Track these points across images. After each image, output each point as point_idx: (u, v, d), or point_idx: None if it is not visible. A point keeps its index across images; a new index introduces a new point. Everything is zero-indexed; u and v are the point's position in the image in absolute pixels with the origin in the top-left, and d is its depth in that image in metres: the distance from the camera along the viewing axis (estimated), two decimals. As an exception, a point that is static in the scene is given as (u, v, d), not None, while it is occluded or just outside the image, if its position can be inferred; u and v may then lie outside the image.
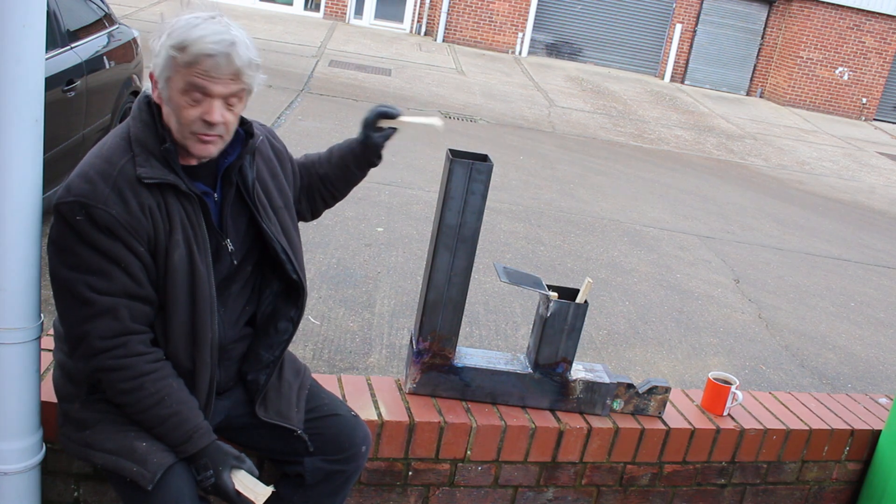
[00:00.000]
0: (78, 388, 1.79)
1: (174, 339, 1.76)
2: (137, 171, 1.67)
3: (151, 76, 1.72)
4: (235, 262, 1.85)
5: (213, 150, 1.72)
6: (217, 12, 1.71)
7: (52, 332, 2.26)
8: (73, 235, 1.64)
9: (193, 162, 1.77)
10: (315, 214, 2.20)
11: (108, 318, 1.66)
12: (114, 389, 1.71)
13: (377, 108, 2.05)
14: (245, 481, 1.71)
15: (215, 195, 1.81)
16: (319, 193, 2.15)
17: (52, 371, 1.92)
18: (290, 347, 2.03)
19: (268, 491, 1.71)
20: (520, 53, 16.28)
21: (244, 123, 1.84)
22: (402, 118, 2.04)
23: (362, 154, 2.09)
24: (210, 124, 1.67)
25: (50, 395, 1.94)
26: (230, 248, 1.84)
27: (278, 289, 1.94)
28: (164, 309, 1.74)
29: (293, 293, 1.93)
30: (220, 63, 1.63)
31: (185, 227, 1.73)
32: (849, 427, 2.72)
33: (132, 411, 1.72)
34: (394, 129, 2.06)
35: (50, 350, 2.14)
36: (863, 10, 16.08)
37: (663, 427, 2.48)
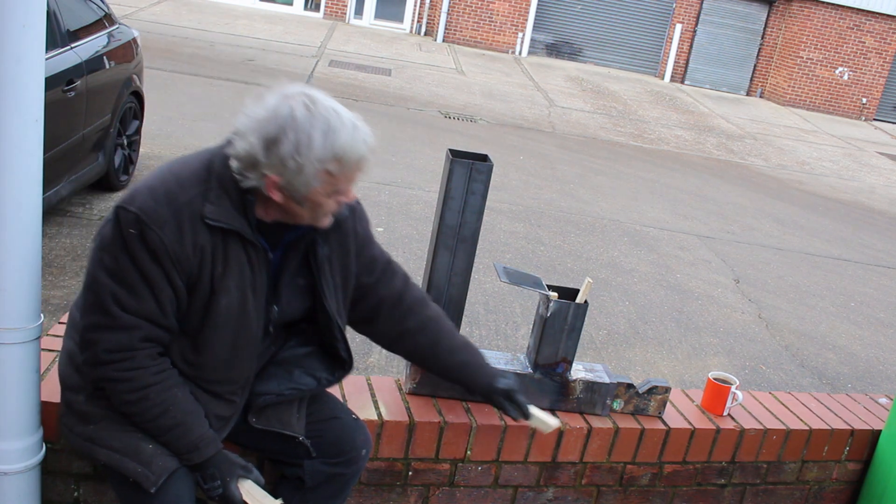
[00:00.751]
0: (84, 381, 1.77)
1: (208, 374, 1.75)
2: (205, 209, 1.62)
3: (271, 181, 1.59)
4: (272, 329, 1.84)
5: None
6: (308, 96, 1.61)
7: (52, 331, 2.26)
8: (121, 243, 1.62)
9: (269, 218, 1.71)
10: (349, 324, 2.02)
11: (123, 334, 1.64)
12: (118, 399, 1.70)
13: (512, 392, 2.04)
14: (253, 492, 1.71)
15: (271, 254, 1.75)
16: (389, 339, 2.04)
17: (59, 357, 1.90)
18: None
19: (276, 503, 1.71)
20: (520, 53, 16.28)
21: None
22: (531, 415, 2.07)
23: (479, 394, 2.08)
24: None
25: (50, 395, 1.94)
26: (275, 315, 1.82)
27: (315, 352, 1.95)
28: (202, 345, 1.72)
29: (336, 366, 1.96)
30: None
31: (243, 271, 1.69)
32: (849, 427, 2.72)
33: (137, 420, 1.72)
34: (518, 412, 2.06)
35: (50, 350, 2.15)
36: (863, 10, 16.08)
37: (663, 427, 2.48)
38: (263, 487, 1.74)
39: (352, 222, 1.87)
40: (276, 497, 1.74)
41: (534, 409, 2.07)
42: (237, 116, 1.63)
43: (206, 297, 1.68)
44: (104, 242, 1.64)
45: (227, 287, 1.68)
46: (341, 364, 1.95)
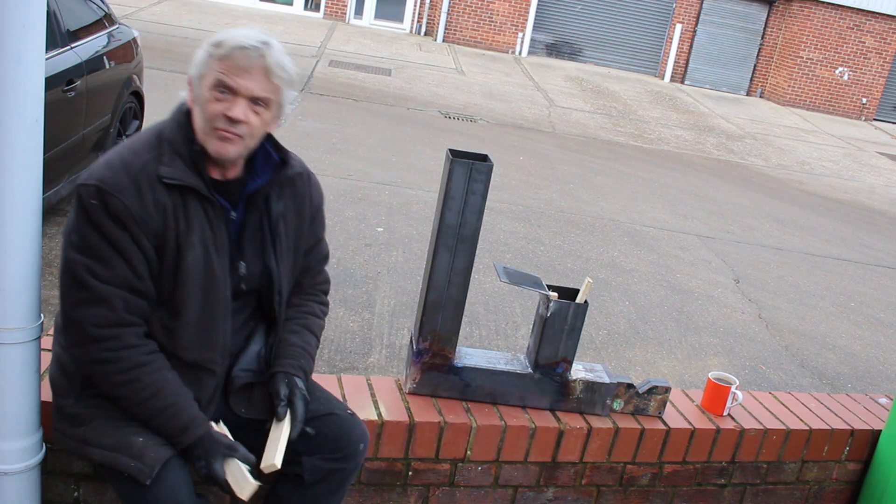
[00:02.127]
0: (72, 383, 1.80)
1: (184, 338, 1.77)
2: (160, 170, 1.70)
3: (189, 81, 1.75)
4: (244, 287, 1.86)
5: (231, 150, 1.73)
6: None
7: (52, 331, 2.26)
8: (85, 218, 1.67)
9: (218, 175, 1.78)
10: None
11: (103, 306, 1.68)
12: (108, 382, 1.72)
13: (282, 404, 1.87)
14: (235, 472, 1.72)
15: (233, 214, 1.82)
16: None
17: (49, 364, 1.92)
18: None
19: (253, 485, 1.70)
20: (520, 53, 16.27)
21: (281, 151, 1.86)
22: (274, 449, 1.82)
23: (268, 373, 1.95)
24: (232, 121, 1.69)
25: (50, 395, 1.94)
26: (242, 271, 1.85)
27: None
28: (176, 307, 1.76)
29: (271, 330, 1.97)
30: (251, 55, 1.67)
31: (203, 229, 1.75)
32: (849, 427, 2.72)
33: (127, 404, 1.73)
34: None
35: (50, 350, 2.14)
36: (863, 10, 16.08)
37: (663, 427, 2.48)
38: (253, 466, 1.74)
39: (307, 188, 1.96)
40: (275, 490, 1.72)
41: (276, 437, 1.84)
42: None
43: (174, 255, 1.73)
44: (70, 223, 1.71)
45: (191, 242, 1.73)
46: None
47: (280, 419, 1.85)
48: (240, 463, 1.73)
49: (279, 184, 1.86)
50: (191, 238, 1.73)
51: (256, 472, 1.77)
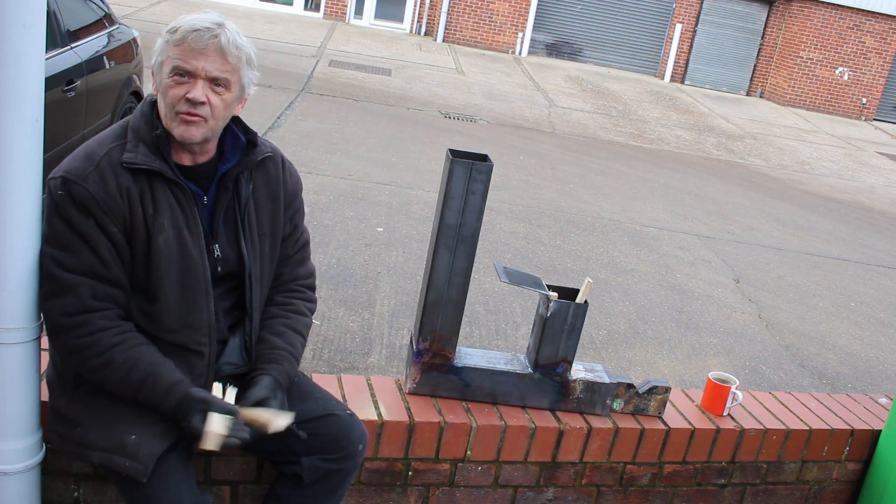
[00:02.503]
0: (64, 384, 1.81)
1: (165, 321, 1.78)
2: (123, 157, 1.72)
3: (152, 71, 1.78)
4: (220, 270, 1.86)
5: (195, 132, 1.74)
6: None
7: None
8: (53, 209, 1.70)
9: (188, 161, 1.80)
10: None
11: (69, 295, 1.70)
12: (87, 368, 1.74)
13: (266, 399, 1.82)
14: (212, 423, 1.69)
15: (205, 198, 1.83)
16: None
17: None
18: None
19: (217, 438, 1.68)
20: (520, 53, 16.27)
21: (249, 133, 1.87)
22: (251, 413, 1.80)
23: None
24: (192, 103, 1.70)
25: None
26: (217, 253, 1.85)
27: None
28: (153, 291, 1.76)
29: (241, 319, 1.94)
30: (204, 36, 1.69)
31: (174, 211, 1.76)
32: (849, 427, 2.72)
33: (112, 386, 1.74)
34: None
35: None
36: (863, 10, 16.08)
37: (663, 427, 2.48)
38: (235, 415, 1.72)
39: (280, 172, 1.95)
40: (274, 490, 1.73)
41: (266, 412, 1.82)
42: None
43: (145, 240, 1.74)
44: (43, 216, 1.74)
45: (161, 225, 1.74)
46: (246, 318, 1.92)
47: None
48: (220, 415, 1.71)
49: (248, 167, 1.87)
50: (159, 221, 1.74)
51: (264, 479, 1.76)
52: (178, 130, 1.73)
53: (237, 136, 1.88)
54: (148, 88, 1.82)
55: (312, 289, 2.09)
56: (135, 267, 1.75)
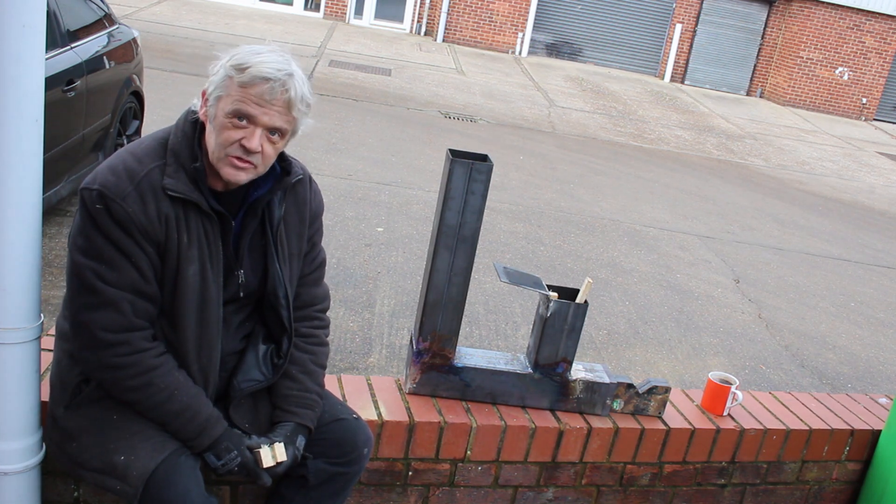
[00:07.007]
0: (63, 391, 1.80)
1: (184, 347, 1.77)
2: (164, 181, 1.69)
3: (203, 93, 1.73)
4: (242, 295, 1.86)
5: (244, 177, 1.72)
6: (281, 48, 1.72)
7: (52, 331, 2.26)
8: (90, 222, 1.67)
9: (220, 187, 1.78)
10: None
11: (112, 310, 1.68)
12: (121, 387, 1.72)
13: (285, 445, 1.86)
14: (263, 455, 1.79)
15: (233, 223, 1.80)
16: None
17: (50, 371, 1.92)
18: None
19: (282, 452, 1.80)
20: (520, 53, 16.27)
21: (283, 160, 1.84)
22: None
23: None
24: (247, 150, 1.68)
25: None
26: (241, 279, 1.84)
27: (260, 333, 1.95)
28: (175, 320, 1.75)
29: (279, 337, 1.94)
30: (275, 89, 1.65)
31: (201, 244, 1.74)
32: (849, 427, 2.72)
33: (142, 408, 1.73)
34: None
35: (50, 350, 2.14)
36: (863, 10, 16.08)
37: (663, 427, 2.48)
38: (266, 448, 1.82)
39: (309, 193, 1.94)
40: (279, 490, 1.80)
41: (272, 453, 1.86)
42: None
43: (175, 267, 1.72)
44: (76, 227, 1.71)
45: (192, 256, 1.73)
46: (285, 334, 1.92)
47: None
48: (266, 446, 1.80)
49: (282, 189, 1.85)
50: (192, 251, 1.73)
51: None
52: (225, 171, 1.70)
53: (274, 166, 1.84)
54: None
55: (326, 311, 2.08)
56: (162, 290, 1.74)
